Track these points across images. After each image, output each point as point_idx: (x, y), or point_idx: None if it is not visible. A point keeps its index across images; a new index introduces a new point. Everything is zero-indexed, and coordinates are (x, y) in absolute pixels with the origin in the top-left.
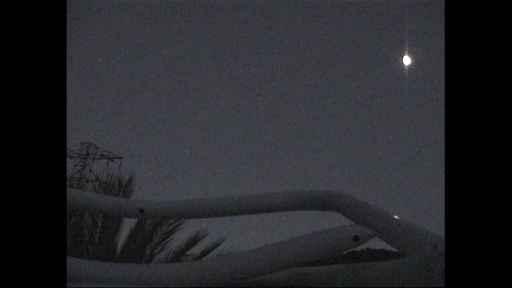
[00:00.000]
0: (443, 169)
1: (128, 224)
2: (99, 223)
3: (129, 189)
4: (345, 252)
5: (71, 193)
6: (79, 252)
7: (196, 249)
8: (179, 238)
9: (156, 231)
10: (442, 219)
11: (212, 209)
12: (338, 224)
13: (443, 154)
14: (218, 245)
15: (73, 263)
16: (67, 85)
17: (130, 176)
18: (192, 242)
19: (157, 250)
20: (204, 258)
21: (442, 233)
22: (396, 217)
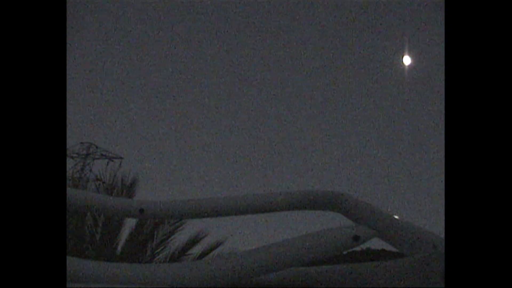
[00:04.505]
0: (443, 169)
1: (129, 224)
2: (100, 223)
3: (133, 190)
4: (345, 252)
5: (71, 193)
6: (79, 252)
7: (196, 249)
8: (180, 238)
9: (157, 231)
10: (442, 219)
11: (212, 209)
12: (338, 224)
13: (443, 154)
14: (218, 245)
15: (73, 263)
16: (67, 85)
17: (134, 177)
18: (192, 242)
19: (158, 250)
20: (204, 258)
21: (442, 233)
22: (396, 217)
